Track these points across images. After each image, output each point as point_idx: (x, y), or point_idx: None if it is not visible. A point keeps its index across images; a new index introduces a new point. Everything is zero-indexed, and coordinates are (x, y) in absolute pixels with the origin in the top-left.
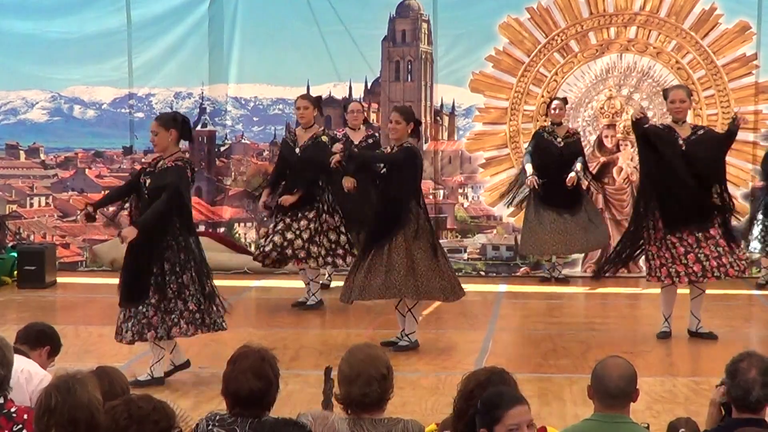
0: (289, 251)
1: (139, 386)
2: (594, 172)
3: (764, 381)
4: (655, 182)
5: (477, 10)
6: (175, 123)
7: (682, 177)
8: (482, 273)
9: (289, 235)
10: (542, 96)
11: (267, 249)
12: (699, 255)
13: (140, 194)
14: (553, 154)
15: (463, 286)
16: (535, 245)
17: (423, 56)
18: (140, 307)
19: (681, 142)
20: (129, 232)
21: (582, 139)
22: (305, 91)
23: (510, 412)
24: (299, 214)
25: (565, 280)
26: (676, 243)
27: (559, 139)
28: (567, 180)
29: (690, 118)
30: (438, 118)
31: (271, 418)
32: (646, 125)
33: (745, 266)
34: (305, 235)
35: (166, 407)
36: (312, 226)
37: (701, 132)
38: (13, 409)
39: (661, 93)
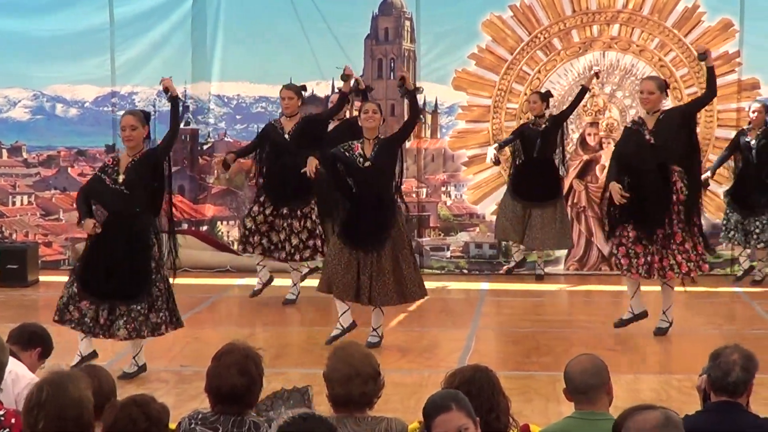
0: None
1: (128, 378)
2: (577, 170)
3: (744, 365)
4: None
5: (460, 7)
6: (147, 120)
7: (644, 172)
8: (465, 271)
9: (283, 236)
10: (525, 94)
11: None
12: (654, 253)
13: (105, 195)
14: (532, 144)
15: (446, 284)
16: (498, 229)
17: (406, 54)
18: (134, 305)
19: (648, 136)
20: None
21: (565, 137)
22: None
23: (436, 421)
24: (297, 212)
25: (541, 278)
26: (637, 239)
27: (540, 128)
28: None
29: None
30: (421, 116)
31: (249, 418)
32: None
33: (692, 268)
34: (303, 236)
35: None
36: (308, 224)
37: (662, 117)
38: (1, 412)
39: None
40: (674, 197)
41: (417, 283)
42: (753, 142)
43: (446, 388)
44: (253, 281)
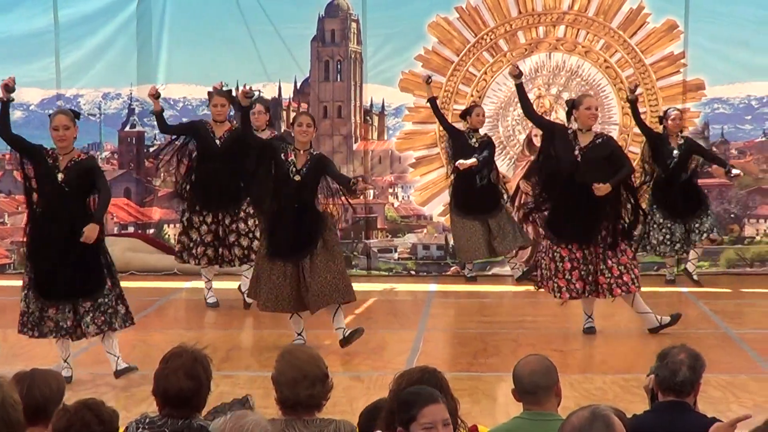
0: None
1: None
2: (524, 171)
3: (692, 364)
4: (552, 187)
5: (406, 9)
6: (77, 120)
7: (571, 187)
8: (413, 272)
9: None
10: (471, 95)
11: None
12: (582, 272)
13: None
14: (467, 157)
15: (394, 285)
16: (463, 252)
17: (352, 56)
18: (100, 299)
19: (577, 152)
20: (93, 231)
21: (512, 138)
22: (234, 92)
23: (424, 411)
24: (240, 213)
25: (474, 279)
26: (564, 257)
27: (474, 140)
28: (458, 164)
29: (619, 118)
30: (368, 117)
31: (197, 421)
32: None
33: (631, 283)
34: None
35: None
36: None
37: (599, 141)
38: None
39: (567, 103)
40: (602, 218)
41: (319, 293)
42: (675, 151)
43: (395, 390)
44: (200, 284)
